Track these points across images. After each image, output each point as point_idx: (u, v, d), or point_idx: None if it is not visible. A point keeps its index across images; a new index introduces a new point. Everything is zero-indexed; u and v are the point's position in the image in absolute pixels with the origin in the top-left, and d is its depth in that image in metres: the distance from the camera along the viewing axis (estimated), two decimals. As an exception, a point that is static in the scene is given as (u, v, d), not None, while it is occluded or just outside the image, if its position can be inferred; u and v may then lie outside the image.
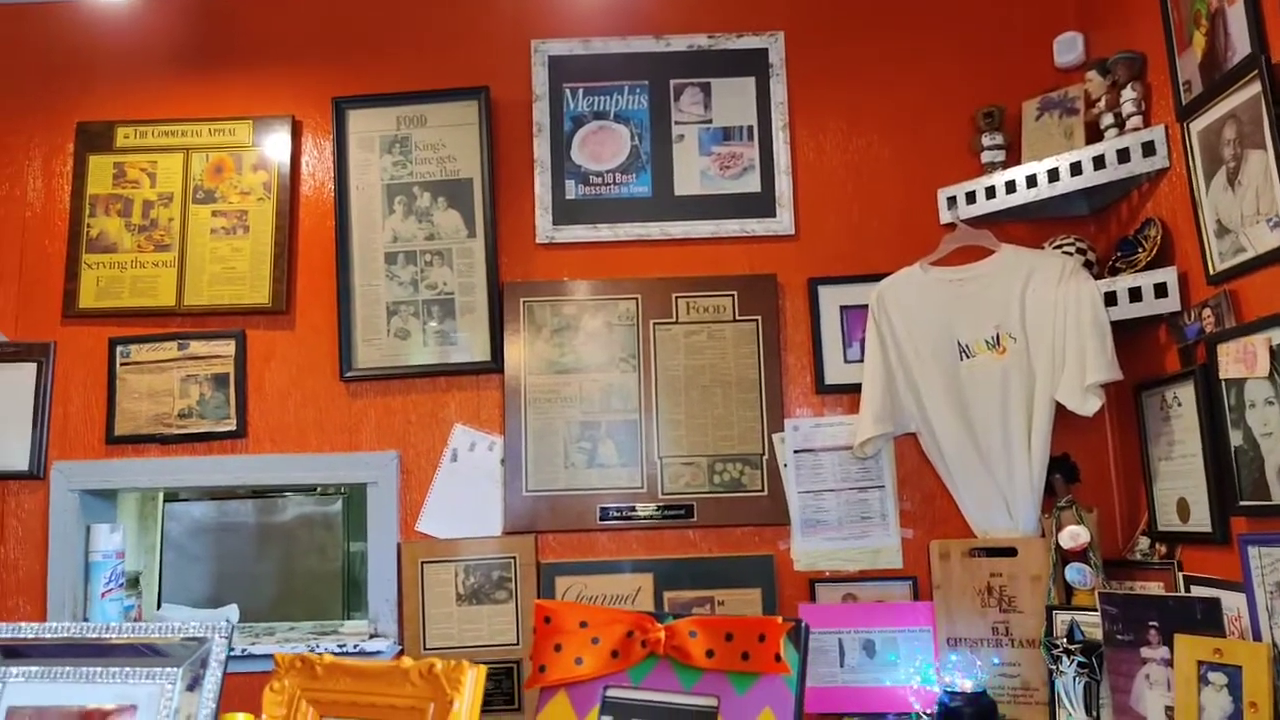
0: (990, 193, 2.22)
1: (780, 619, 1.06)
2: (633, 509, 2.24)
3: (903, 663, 2.08)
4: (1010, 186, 2.19)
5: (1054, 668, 1.90)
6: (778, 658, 1.02)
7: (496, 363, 2.31)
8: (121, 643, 1.06)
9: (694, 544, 2.25)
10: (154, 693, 1.01)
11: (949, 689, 1.91)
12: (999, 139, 2.26)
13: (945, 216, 2.30)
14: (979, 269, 2.19)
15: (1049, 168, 2.13)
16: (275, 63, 2.48)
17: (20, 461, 2.31)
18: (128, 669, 1.03)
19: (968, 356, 2.17)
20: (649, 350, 2.30)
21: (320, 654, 1.09)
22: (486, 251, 2.34)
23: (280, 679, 1.08)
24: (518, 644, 2.19)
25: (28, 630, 1.06)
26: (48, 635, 1.05)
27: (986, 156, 2.27)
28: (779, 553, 2.23)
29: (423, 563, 2.24)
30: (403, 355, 2.33)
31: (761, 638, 1.04)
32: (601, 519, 2.24)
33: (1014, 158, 2.26)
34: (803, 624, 1.06)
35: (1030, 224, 2.29)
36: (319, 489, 3.41)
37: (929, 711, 1.96)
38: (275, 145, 2.42)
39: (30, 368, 2.35)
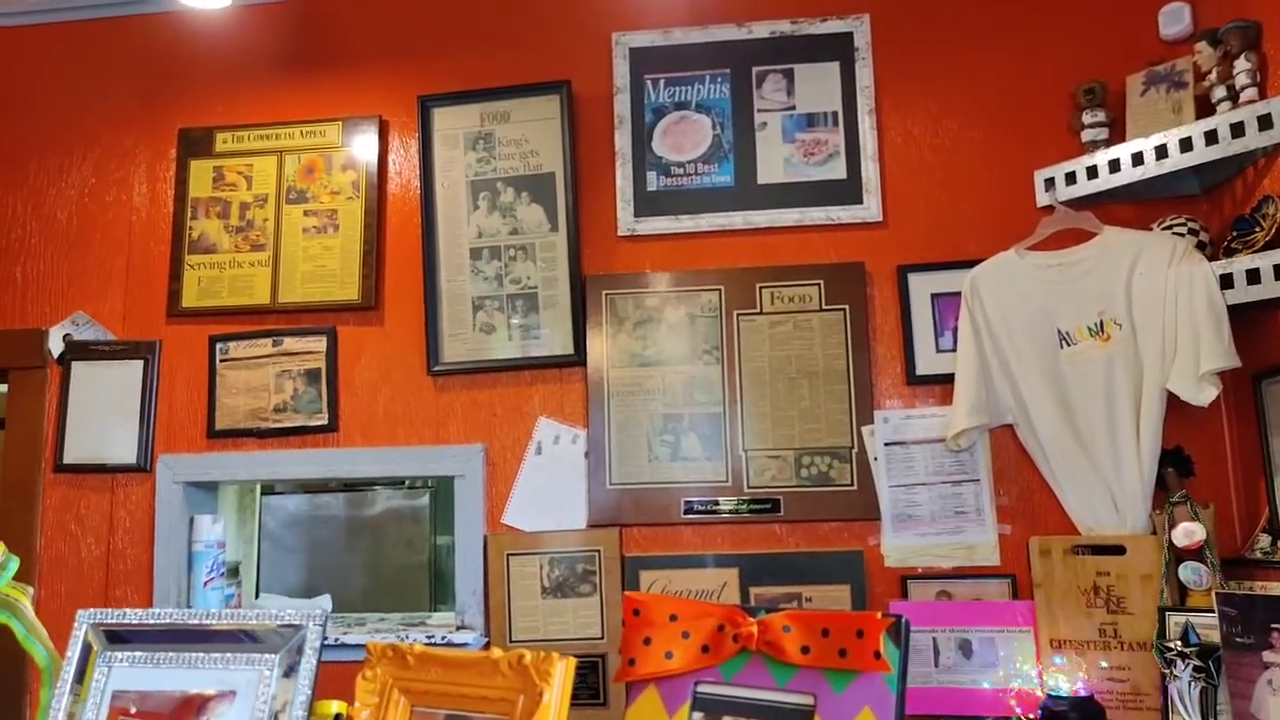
0: (1092, 173, 2.11)
1: (879, 614, 1.02)
2: (717, 503, 2.21)
3: (1002, 664, 2.00)
4: (1114, 166, 2.08)
5: (1167, 672, 1.80)
6: (877, 655, 0.98)
7: (579, 356, 2.31)
8: (220, 629, 1.09)
9: (780, 539, 2.21)
10: (253, 679, 1.03)
11: (1053, 693, 1.83)
12: (1101, 116, 2.15)
13: (1043, 199, 2.20)
14: (1080, 253, 2.09)
15: (1156, 144, 2.02)
16: (363, 64, 2.53)
17: (128, 455, 2.41)
18: (228, 655, 1.05)
19: (1068, 345, 2.08)
20: (733, 342, 2.27)
21: (411, 644, 1.10)
22: (569, 245, 2.34)
23: (372, 667, 1.09)
24: (602, 638, 2.19)
25: (132, 616, 1.10)
26: (150, 621, 1.09)
27: (1088, 135, 2.16)
28: (869, 548, 2.17)
29: (508, 555, 2.25)
30: (488, 349, 2.35)
31: (860, 634, 1.00)
32: (686, 513, 2.22)
33: (1117, 136, 2.15)
34: (903, 620, 1.02)
35: (1136, 205, 2.17)
36: (406, 483, 3.48)
37: (1031, 715, 1.88)
38: (363, 145, 2.47)
39: (137, 365, 2.45)
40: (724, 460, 2.23)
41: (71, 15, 2.64)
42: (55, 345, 2.48)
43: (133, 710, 1.04)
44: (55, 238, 2.56)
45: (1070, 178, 2.14)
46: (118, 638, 1.09)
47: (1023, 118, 2.26)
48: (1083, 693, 1.81)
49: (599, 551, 2.23)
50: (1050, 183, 2.18)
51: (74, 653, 1.06)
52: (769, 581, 2.16)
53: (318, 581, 3.25)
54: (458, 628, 2.24)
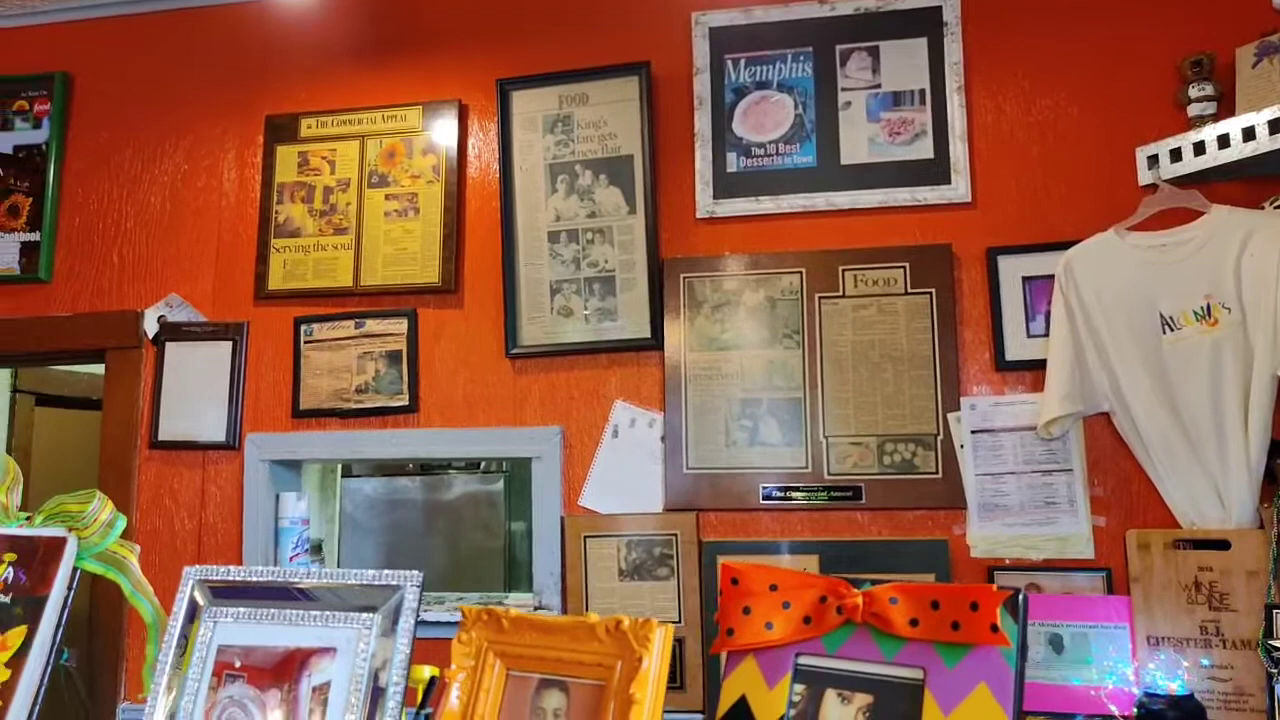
0: (1199, 149, 2.01)
1: (995, 587, 0.98)
2: (797, 489, 2.17)
3: (1095, 661, 1.92)
4: (1223, 141, 1.97)
5: (1274, 672, 1.71)
6: (994, 628, 0.94)
7: (656, 339, 2.29)
8: (319, 588, 1.10)
9: (862, 526, 2.16)
10: (352, 637, 1.04)
11: (1150, 691, 1.75)
12: (1209, 89, 2.05)
13: (1145, 177, 2.10)
14: (1186, 233, 2.00)
15: (1269, 118, 1.91)
16: (442, 48, 2.55)
17: (218, 433, 2.48)
18: (328, 613, 1.07)
19: (1172, 329, 1.98)
20: (814, 325, 2.23)
21: (506, 608, 1.10)
22: (647, 228, 2.33)
23: (467, 630, 1.10)
24: (680, 621, 2.17)
25: (236, 573, 1.12)
26: (254, 578, 1.11)
27: (1194, 109, 2.06)
28: (954, 538, 2.11)
29: (585, 537, 2.25)
30: (565, 332, 2.35)
31: (974, 606, 0.96)
32: (764, 499, 2.19)
33: (1226, 110, 2.04)
34: (1021, 593, 0.97)
35: (1246, 183, 2.06)
36: (481, 466, 3.51)
37: (1126, 715, 1.80)
38: (443, 129, 2.49)
39: (227, 346, 2.52)
40: (804, 446, 2.19)
41: (163, 5, 2.73)
42: (150, 326, 2.56)
43: (237, 664, 1.06)
44: (150, 222, 2.64)
45: (1175, 154, 2.05)
46: (222, 594, 1.11)
47: (1123, 92, 2.16)
48: (1182, 691, 1.73)
49: (676, 535, 2.21)
50: (1154, 160, 2.08)
51: (180, 607, 1.09)
52: (850, 569, 2.11)
53: (396, 563, 3.30)
54: (535, 608, 2.25)
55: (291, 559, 2.30)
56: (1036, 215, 2.17)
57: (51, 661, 1.16)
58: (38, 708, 1.16)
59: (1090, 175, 2.15)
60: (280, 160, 2.58)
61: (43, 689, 1.15)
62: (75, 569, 1.22)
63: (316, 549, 2.58)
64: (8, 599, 1.19)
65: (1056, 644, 1.96)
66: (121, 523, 1.24)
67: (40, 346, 2.64)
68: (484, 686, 1.04)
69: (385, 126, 2.54)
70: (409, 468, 3.56)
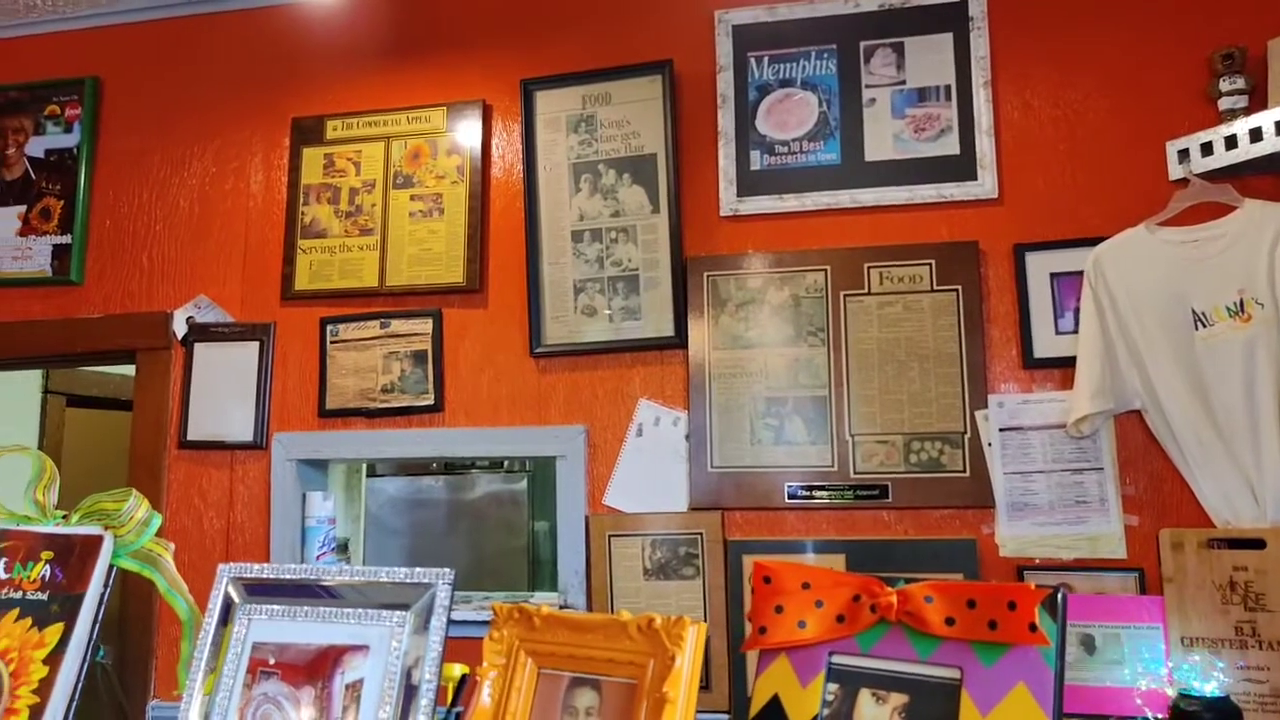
0: (1231, 142, 1.98)
1: (1034, 585, 0.97)
2: (822, 488, 2.16)
3: (1128, 662, 1.90)
4: (1255, 135, 1.95)
5: (1314, 675, 1.68)
6: (1033, 627, 0.93)
7: (680, 338, 2.29)
8: (352, 585, 1.11)
9: (888, 526, 2.15)
10: (384, 634, 1.05)
11: (1184, 692, 1.72)
12: (1240, 83, 2.02)
13: (1175, 172, 2.08)
14: (1218, 227, 1.97)
15: (1304, 111, 1.88)
16: (466, 49, 2.56)
17: (246, 433, 2.50)
18: (361, 611, 1.08)
19: (1204, 325, 1.96)
20: (839, 323, 2.22)
21: (538, 606, 1.10)
22: (670, 226, 2.33)
23: (499, 628, 1.10)
24: (705, 620, 2.16)
25: (269, 570, 1.13)
26: (287, 576, 1.12)
27: (1225, 103, 2.03)
28: (982, 537, 2.09)
29: (610, 536, 2.25)
30: (589, 332, 2.36)
31: (1012, 605, 0.95)
32: (790, 498, 2.18)
33: (1258, 104, 2.01)
34: (1060, 591, 0.96)
35: (1279, 176, 2.03)
36: (505, 464, 3.52)
37: (1160, 716, 1.78)
38: (467, 130, 2.50)
39: (254, 346, 2.54)
40: (829, 445, 2.18)
41: (191, 10, 2.75)
42: (179, 327, 2.59)
43: (271, 661, 1.07)
44: (178, 225, 2.67)
45: (1206, 148, 2.02)
46: (255, 593, 1.12)
47: (1153, 86, 2.13)
48: (1218, 693, 1.70)
49: (701, 534, 2.20)
50: (1184, 154, 2.06)
51: (215, 605, 1.10)
52: (877, 568, 2.09)
53: (420, 562, 3.29)
54: (561, 607, 2.24)
55: (318, 558, 2.32)
56: (1064, 211, 2.15)
57: (88, 659, 1.17)
58: (75, 704, 1.17)
59: (1119, 170, 2.13)
60: (306, 162, 2.60)
61: (79, 686, 1.17)
62: (111, 566, 1.23)
63: (343, 548, 2.60)
64: (45, 596, 1.21)
65: (1089, 645, 1.94)
66: (157, 520, 1.25)
67: (71, 348, 2.68)
68: (515, 685, 1.05)
69: (410, 128, 2.55)
70: (433, 467, 3.58)
